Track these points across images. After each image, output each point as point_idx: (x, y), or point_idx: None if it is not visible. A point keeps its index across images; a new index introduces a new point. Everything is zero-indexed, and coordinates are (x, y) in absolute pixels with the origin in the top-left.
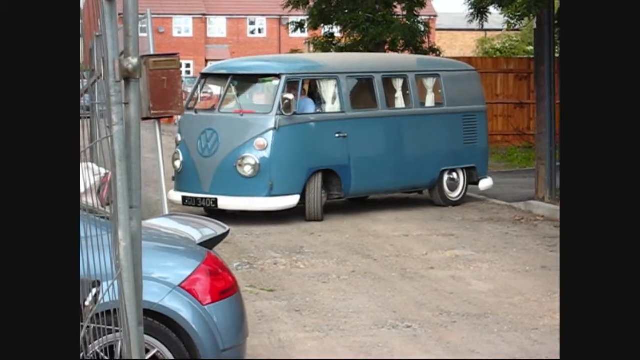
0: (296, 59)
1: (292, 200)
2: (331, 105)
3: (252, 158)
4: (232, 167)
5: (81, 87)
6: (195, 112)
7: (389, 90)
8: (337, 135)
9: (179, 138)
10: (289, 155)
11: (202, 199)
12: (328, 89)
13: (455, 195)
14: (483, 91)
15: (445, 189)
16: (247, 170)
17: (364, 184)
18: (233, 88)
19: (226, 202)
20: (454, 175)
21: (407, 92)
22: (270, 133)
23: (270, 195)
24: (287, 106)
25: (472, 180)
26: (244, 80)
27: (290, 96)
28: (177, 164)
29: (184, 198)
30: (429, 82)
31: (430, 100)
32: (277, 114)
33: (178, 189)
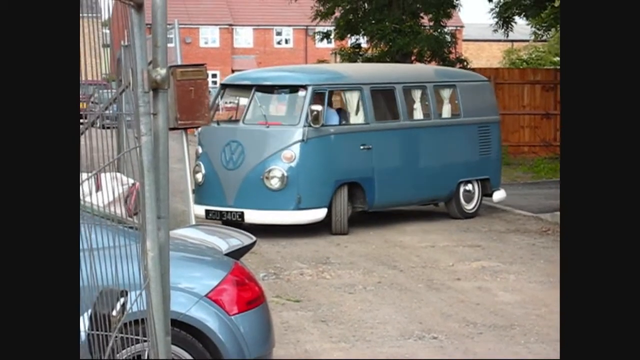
0: (320, 69)
1: (319, 214)
2: (355, 117)
3: (279, 170)
4: (259, 180)
5: (109, 96)
6: (217, 123)
7: (409, 102)
8: (361, 147)
9: (200, 150)
10: (317, 167)
11: (227, 212)
12: (352, 100)
13: (470, 207)
14: (496, 101)
15: (462, 201)
16: (275, 183)
17: (387, 196)
18: (257, 99)
19: (253, 216)
20: (469, 187)
21: (426, 103)
22: (298, 145)
23: (298, 208)
24: (315, 118)
25: (486, 192)
26: (268, 91)
27: (319, 107)
28: (199, 176)
29: (207, 212)
30: (446, 93)
31: (447, 111)
32: (304, 126)
33: (200, 202)
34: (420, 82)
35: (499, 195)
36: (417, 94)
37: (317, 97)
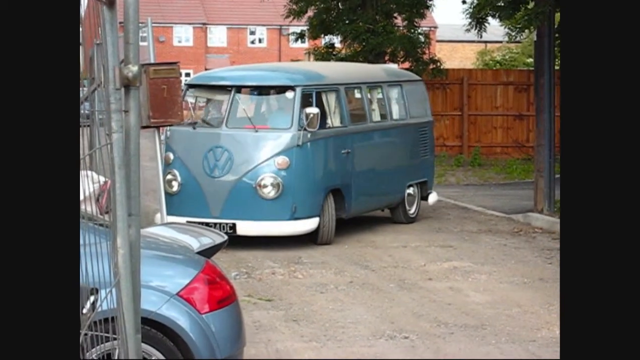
0: (301, 69)
1: (313, 224)
2: (335, 119)
3: (273, 178)
4: (251, 189)
5: (81, 95)
6: (193, 127)
7: (370, 102)
8: (342, 151)
9: (172, 156)
10: (311, 174)
11: (215, 224)
12: (331, 102)
13: (412, 211)
14: (429, 102)
15: (406, 205)
16: (268, 192)
17: (361, 202)
18: (239, 101)
19: (245, 228)
20: (411, 190)
21: (382, 103)
22: (293, 150)
23: (294, 218)
24: (311, 121)
25: (422, 195)
26: (250, 92)
27: (315, 110)
28: (174, 185)
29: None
30: (395, 93)
31: (396, 112)
32: (298, 129)
33: (176, 213)
34: (377, 82)
35: (433, 198)
36: (375, 95)
37: (305, 99)
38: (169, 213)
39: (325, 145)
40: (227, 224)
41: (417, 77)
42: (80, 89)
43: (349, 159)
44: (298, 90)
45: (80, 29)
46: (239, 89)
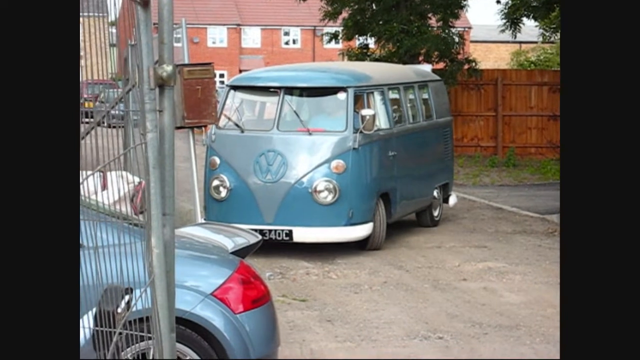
0: (350, 69)
1: (367, 230)
2: (382, 121)
3: (329, 183)
4: (306, 194)
5: (115, 96)
6: (242, 131)
7: (406, 103)
8: (390, 154)
9: (218, 160)
10: (365, 178)
11: (270, 231)
12: (378, 103)
13: (437, 214)
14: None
15: (432, 208)
16: (325, 197)
17: (403, 206)
18: (289, 103)
19: (301, 234)
20: (435, 192)
21: (414, 104)
22: (349, 154)
23: (350, 224)
24: (368, 123)
25: (444, 198)
26: (299, 94)
27: (371, 112)
28: (222, 191)
29: None
30: (424, 94)
31: (426, 113)
32: (354, 132)
33: (224, 219)
34: (410, 82)
35: (453, 199)
36: (408, 95)
37: (356, 100)
38: (217, 219)
39: (377, 148)
40: (283, 230)
41: (438, 78)
42: (114, 90)
43: (395, 162)
44: (350, 91)
45: (114, 31)
46: (288, 90)
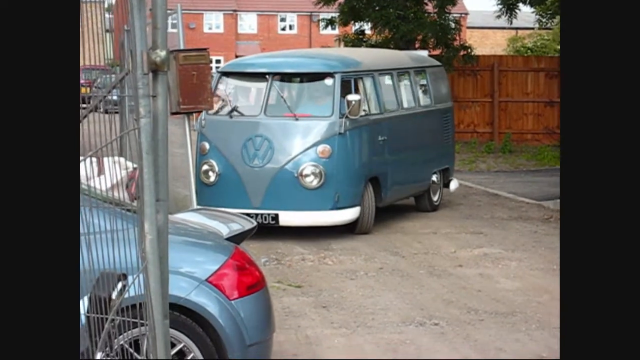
0: (338, 55)
1: (354, 213)
2: (372, 106)
3: (316, 167)
4: (293, 178)
5: (110, 81)
6: (230, 116)
7: (399, 89)
8: (379, 139)
9: (207, 145)
10: (352, 162)
11: (256, 215)
12: (368, 88)
13: (436, 198)
14: (449, 88)
15: (431, 193)
16: (311, 181)
17: (395, 191)
18: (277, 88)
19: (287, 218)
20: (434, 177)
21: (410, 90)
22: (335, 139)
23: (336, 208)
24: (353, 108)
25: (444, 182)
26: (287, 80)
27: (357, 97)
28: (211, 175)
29: None
30: (420, 80)
31: (422, 99)
32: (340, 117)
33: (213, 203)
34: (405, 68)
35: (454, 184)
36: (403, 81)
37: (344, 85)
38: (206, 204)
39: (365, 133)
40: (269, 214)
41: (438, 63)
42: (110, 75)
43: (385, 147)
44: (337, 76)
45: (109, 16)
46: (275, 76)
